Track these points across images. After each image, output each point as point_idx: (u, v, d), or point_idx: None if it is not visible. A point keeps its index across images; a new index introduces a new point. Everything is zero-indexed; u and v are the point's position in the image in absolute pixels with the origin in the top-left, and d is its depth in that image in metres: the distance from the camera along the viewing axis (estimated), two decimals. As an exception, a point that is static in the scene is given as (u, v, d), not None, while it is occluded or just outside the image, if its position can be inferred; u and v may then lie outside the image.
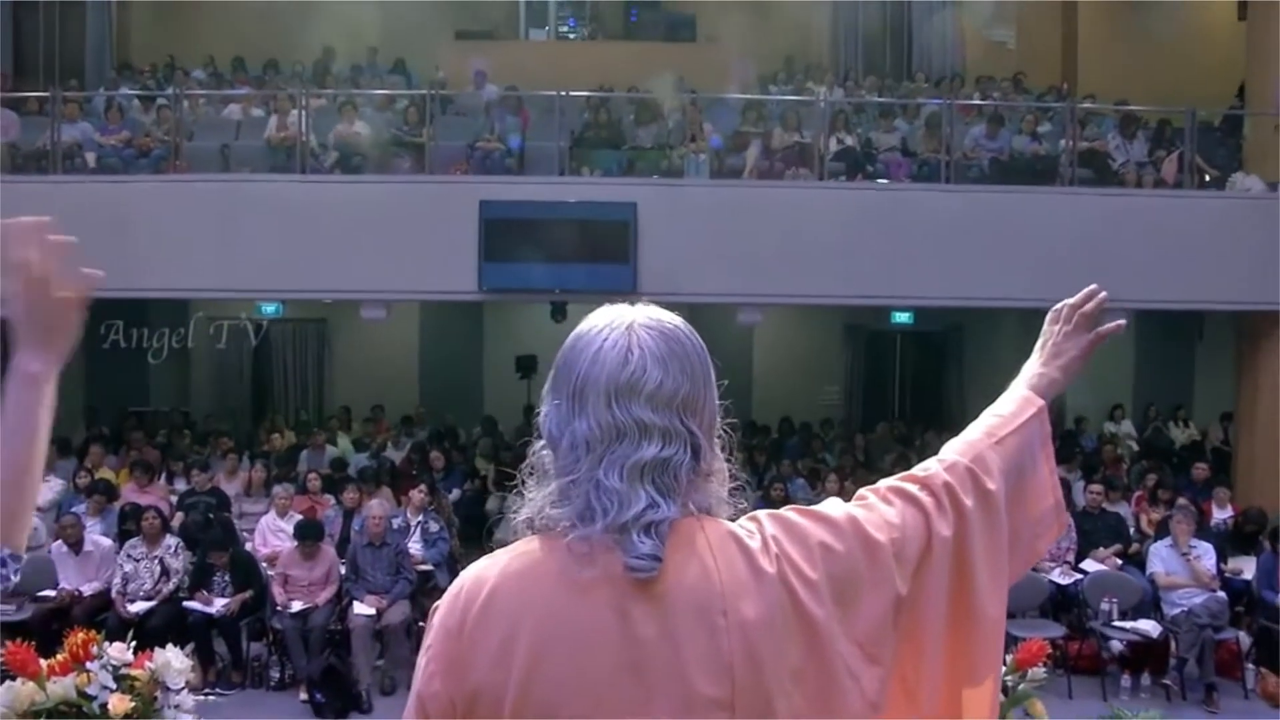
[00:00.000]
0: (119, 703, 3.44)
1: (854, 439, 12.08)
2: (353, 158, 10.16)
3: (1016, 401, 1.57)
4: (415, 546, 7.94)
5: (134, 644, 3.72)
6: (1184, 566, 7.36)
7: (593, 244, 9.30)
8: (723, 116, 11.01)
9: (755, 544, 1.26)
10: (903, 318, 12.15)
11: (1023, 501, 1.48)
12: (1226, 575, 7.70)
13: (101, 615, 7.06)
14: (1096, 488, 8.66)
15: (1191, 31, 13.77)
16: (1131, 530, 8.66)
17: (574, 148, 10.39)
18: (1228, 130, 11.59)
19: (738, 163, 10.37)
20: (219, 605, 7.11)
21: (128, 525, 8.10)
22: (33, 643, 3.73)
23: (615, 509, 1.20)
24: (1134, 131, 10.61)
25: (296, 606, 7.13)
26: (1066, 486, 8.91)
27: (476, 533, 9.71)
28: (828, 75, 13.40)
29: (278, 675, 7.22)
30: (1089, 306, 1.69)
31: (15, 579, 1.19)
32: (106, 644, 3.63)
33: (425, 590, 7.80)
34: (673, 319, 1.33)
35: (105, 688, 3.47)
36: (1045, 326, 1.69)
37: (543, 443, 1.31)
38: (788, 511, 1.34)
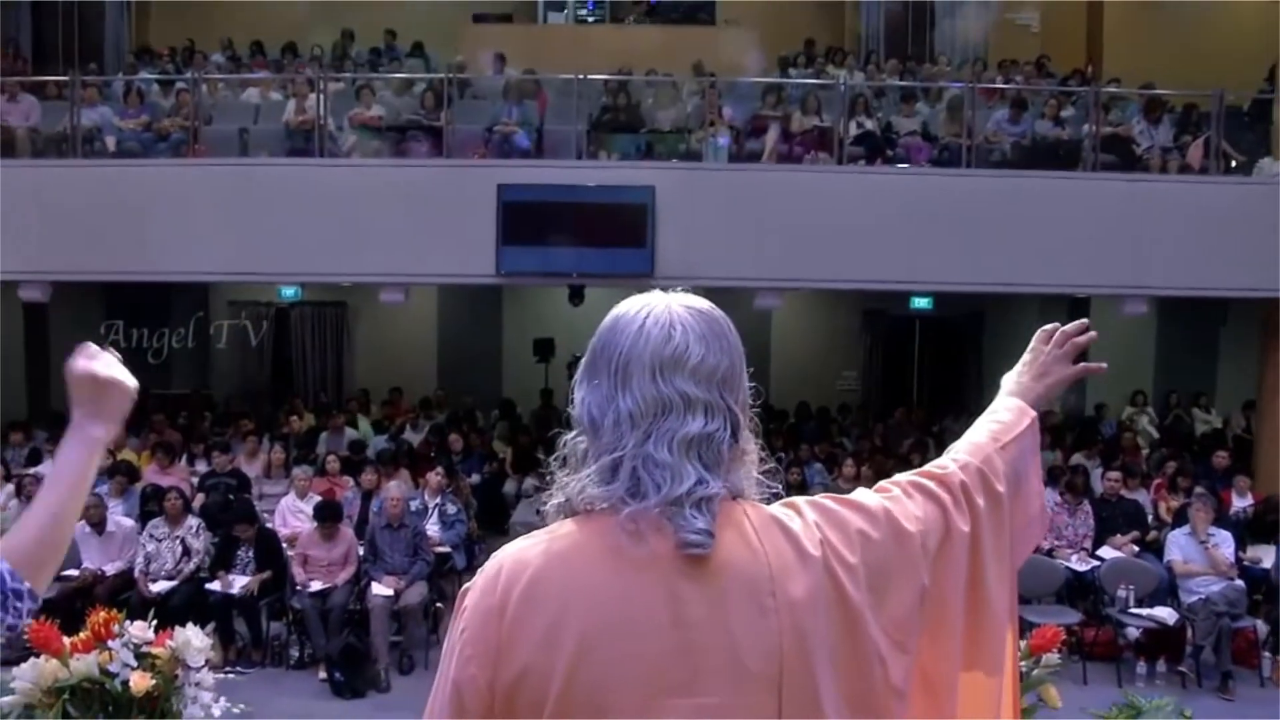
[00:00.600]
0: (140, 680, 3.48)
1: (872, 424, 12.05)
2: (371, 141, 10.18)
3: (1013, 411, 1.62)
4: (433, 528, 7.99)
5: (155, 623, 3.75)
6: (1202, 554, 7.32)
7: (611, 228, 9.30)
8: (742, 100, 10.95)
9: (798, 527, 1.28)
10: (922, 303, 12.07)
11: (1018, 506, 1.53)
12: (1245, 563, 7.66)
13: (124, 594, 7.13)
14: (1115, 474, 8.62)
15: (1219, 13, 13.60)
16: (1150, 517, 8.62)
17: (592, 131, 10.37)
18: (1256, 115, 11.43)
19: (757, 147, 10.32)
20: (239, 586, 7.18)
21: (150, 506, 8.19)
22: (56, 621, 3.77)
23: (669, 483, 1.21)
24: (1159, 116, 10.49)
25: (316, 586, 7.19)
26: (1085, 473, 8.88)
27: (494, 515, 9.76)
28: (848, 58, 13.31)
29: (297, 654, 7.30)
30: (1082, 338, 1.73)
31: (27, 619, 1.24)
32: (128, 623, 3.66)
33: (442, 572, 7.86)
34: (708, 303, 1.36)
35: (127, 665, 3.51)
36: (1034, 344, 1.75)
37: (574, 432, 1.31)
38: (824, 499, 1.36)
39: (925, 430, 11.87)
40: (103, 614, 3.67)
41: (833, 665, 1.24)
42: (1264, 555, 7.85)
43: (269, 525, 7.99)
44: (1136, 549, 7.96)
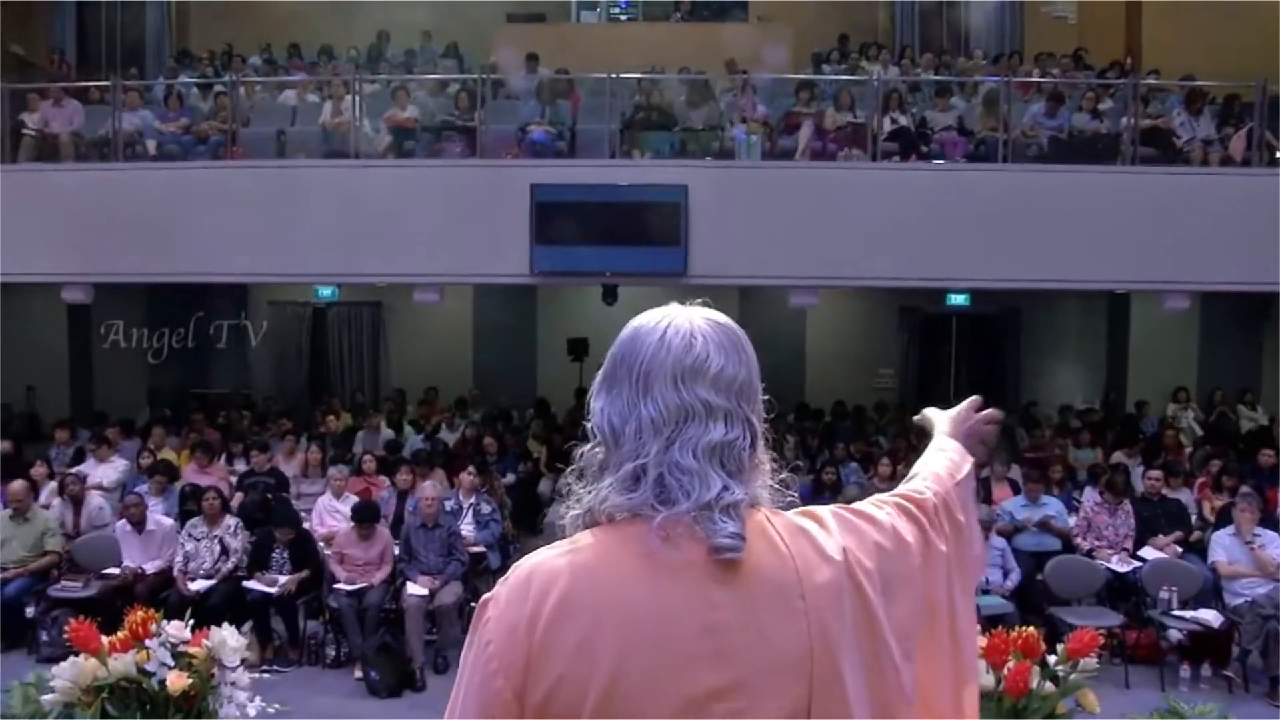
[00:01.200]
0: (177, 680, 3.52)
1: (908, 423, 11.89)
2: (405, 142, 10.24)
3: (959, 452, 1.71)
4: (467, 528, 8.02)
5: (192, 622, 3.79)
6: (1247, 555, 7.17)
7: (644, 227, 9.29)
8: (775, 97, 10.89)
9: (819, 532, 1.31)
10: (958, 300, 11.96)
11: (965, 541, 1.59)
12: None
13: (163, 593, 7.22)
14: (1156, 473, 8.47)
15: (1261, 2, 13.35)
16: (1193, 517, 8.46)
17: (625, 130, 10.36)
18: (1300, 105, 11.21)
19: (790, 144, 10.26)
20: (278, 584, 7.25)
21: (189, 505, 8.29)
22: (98, 619, 3.83)
23: (697, 489, 1.22)
24: (1200, 107, 10.31)
25: (352, 586, 7.24)
26: (1125, 472, 8.74)
27: (529, 515, 9.78)
28: (882, 53, 13.20)
29: (333, 653, 7.35)
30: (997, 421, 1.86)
31: None
32: (165, 622, 3.71)
33: (477, 572, 7.89)
34: (726, 316, 1.37)
35: (164, 664, 3.55)
36: (965, 408, 1.83)
37: (591, 444, 1.32)
38: (840, 508, 1.40)
39: (962, 429, 11.73)
40: (140, 613, 3.71)
41: (857, 667, 1.26)
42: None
43: (304, 526, 8.06)
44: (1179, 550, 7.83)
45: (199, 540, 7.58)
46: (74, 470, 9.05)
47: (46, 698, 3.60)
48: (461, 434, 10.93)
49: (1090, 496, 8.48)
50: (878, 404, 13.27)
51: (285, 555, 7.45)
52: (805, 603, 1.23)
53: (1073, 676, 3.83)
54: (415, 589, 7.14)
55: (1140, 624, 7.33)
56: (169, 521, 8.02)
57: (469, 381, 13.13)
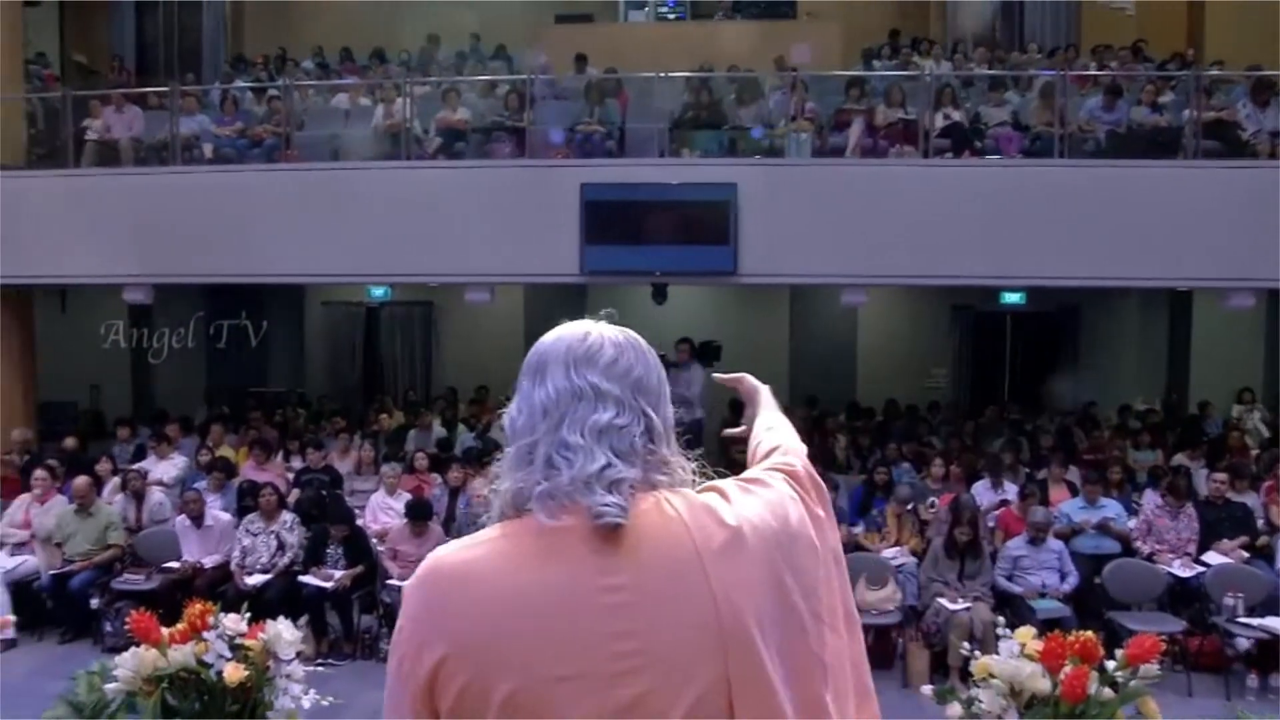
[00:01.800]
0: (233, 671, 3.58)
1: (962, 423, 11.79)
2: (456, 143, 10.32)
3: (790, 430, 1.75)
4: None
5: (249, 615, 3.86)
6: (1317, 559, 6.98)
7: (693, 226, 9.26)
8: (825, 94, 10.80)
9: (720, 503, 1.31)
10: (1013, 298, 11.79)
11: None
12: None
13: (221, 587, 7.37)
14: (1221, 476, 8.26)
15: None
16: (1260, 521, 8.24)
17: (674, 129, 10.34)
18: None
19: (840, 141, 10.17)
20: (333, 580, 7.34)
21: (246, 501, 8.43)
22: (159, 611, 3.90)
23: (580, 463, 1.25)
24: (1267, 99, 10.03)
25: (405, 581, 7.29)
26: (1187, 474, 8.55)
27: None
28: (934, 48, 13.04)
29: (387, 647, 7.41)
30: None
31: None
32: (223, 615, 3.77)
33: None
34: (633, 333, 1.42)
35: (221, 656, 3.61)
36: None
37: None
38: (738, 479, 1.42)
39: (1018, 429, 11.58)
40: (199, 606, 3.78)
41: (771, 633, 1.25)
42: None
43: (359, 522, 8.16)
44: (1245, 555, 7.63)
45: (256, 535, 7.71)
46: (135, 467, 9.24)
47: (109, 686, 3.69)
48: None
49: (1151, 499, 8.31)
50: (930, 404, 13.12)
51: (340, 551, 7.55)
52: (707, 571, 1.23)
53: (1133, 683, 3.76)
54: (467, 586, 7.18)
55: (1204, 630, 7.13)
56: (227, 517, 8.17)
57: (520, 381, 13.17)
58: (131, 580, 7.71)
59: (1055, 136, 9.74)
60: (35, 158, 10.97)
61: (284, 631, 3.68)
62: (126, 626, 3.83)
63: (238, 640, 3.68)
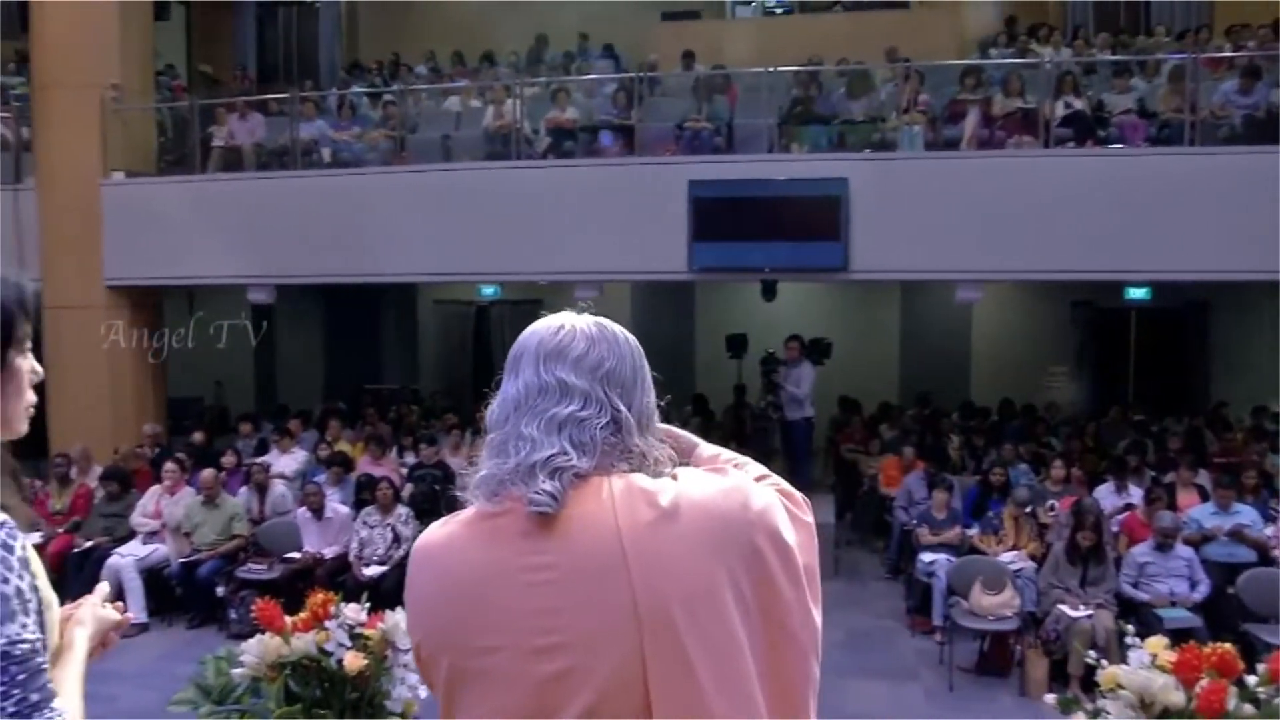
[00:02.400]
0: (353, 660, 3.66)
1: (1083, 423, 11.38)
2: (565, 142, 10.40)
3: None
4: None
5: (368, 605, 3.94)
6: None
7: (803, 221, 9.13)
8: (938, 85, 10.55)
9: (661, 484, 1.34)
10: (1138, 294, 11.30)
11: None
12: None
13: (340, 577, 7.57)
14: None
15: None
16: None
17: (783, 124, 10.22)
18: None
19: (955, 133, 9.91)
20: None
21: (363, 494, 8.65)
22: (280, 600, 4.02)
23: (526, 451, 1.32)
24: None
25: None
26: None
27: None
28: (1054, 34, 12.62)
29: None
30: None
31: None
32: (343, 605, 3.86)
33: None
34: (611, 322, 1.47)
35: (341, 645, 3.70)
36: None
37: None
38: (703, 468, 1.47)
39: (1143, 431, 11.12)
40: (321, 596, 3.88)
41: (698, 610, 1.27)
42: None
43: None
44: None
45: (373, 528, 7.91)
46: (259, 460, 9.58)
47: (236, 671, 3.81)
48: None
49: (1291, 504, 7.88)
50: (1049, 403, 12.71)
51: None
52: (626, 552, 1.26)
53: (1277, 699, 3.55)
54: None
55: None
56: (345, 510, 8.39)
57: (628, 378, 13.21)
58: (255, 569, 7.98)
59: (1185, 123, 9.30)
60: (164, 165, 11.45)
61: (401, 622, 3.75)
62: (252, 614, 3.95)
63: (357, 630, 3.76)
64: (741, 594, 1.30)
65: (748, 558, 1.32)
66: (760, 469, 1.58)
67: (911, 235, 9.10)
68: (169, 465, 8.71)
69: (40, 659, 1.29)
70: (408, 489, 9.01)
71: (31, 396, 1.44)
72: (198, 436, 10.60)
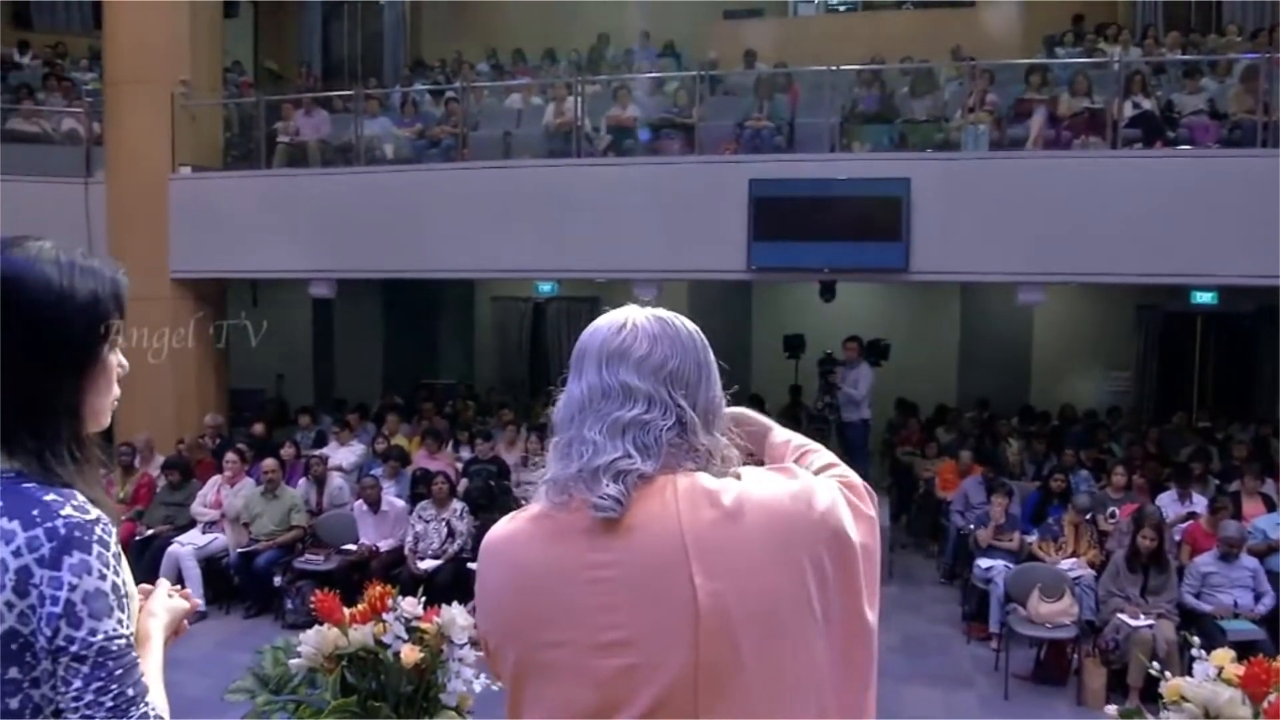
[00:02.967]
0: (410, 653, 3.69)
1: (1145, 429, 11.14)
2: (625, 140, 10.41)
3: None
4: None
5: (424, 599, 3.98)
6: None
7: (864, 222, 9.04)
8: (1003, 84, 10.39)
9: (726, 484, 1.35)
10: (1205, 298, 11.03)
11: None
12: None
13: (395, 570, 7.65)
14: None
15: None
16: None
17: (845, 123, 10.13)
18: None
19: (1020, 133, 9.76)
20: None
21: (419, 489, 8.73)
22: (336, 591, 4.07)
23: (589, 455, 1.33)
24: None
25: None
26: None
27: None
28: (1123, 33, 12.36)
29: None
30: None
31: None
32: (400, 598, 3.90)
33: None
34: (675, 315, 1.46)
35: (399, 638, 3.74)
36: None
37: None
38: (768, 468, 1.46)
39: (1208, 438, 10.86)
40: (379, 588, 3.92)
41: (760, 611, 1.28)
42: None
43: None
44: None
45: (428, 522, 7.99)
46: (317, 453, 9.72)
47: (293, 662, 3.86)
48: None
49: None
50: (1111, 409, 12.47)
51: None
52: (689, 554, 1.27)
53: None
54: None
55: None
56: (401, 503, 8.49)
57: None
58: (312, 560, 8.11)
59: (1258, 124, 9.06)
60: (231, 160, 11.67)
61: (458, 616, 3.78)
62: (311, 605, 4.01)
63: (414, 623, 3.80)
64: (805, 595, 1.30)
65: (812, 560, 1.32)
66: (828, 457, 1.60)
67: (974, 236, 8.98)
68: (230, 456, 8.88)
69: (134, 654, 1.32)
70: (463, 484, 9.09)
71: (117, 390, 1.46)
72: (258, 428, 10.79)
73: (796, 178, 9.28)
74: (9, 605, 1.26)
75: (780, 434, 1.68)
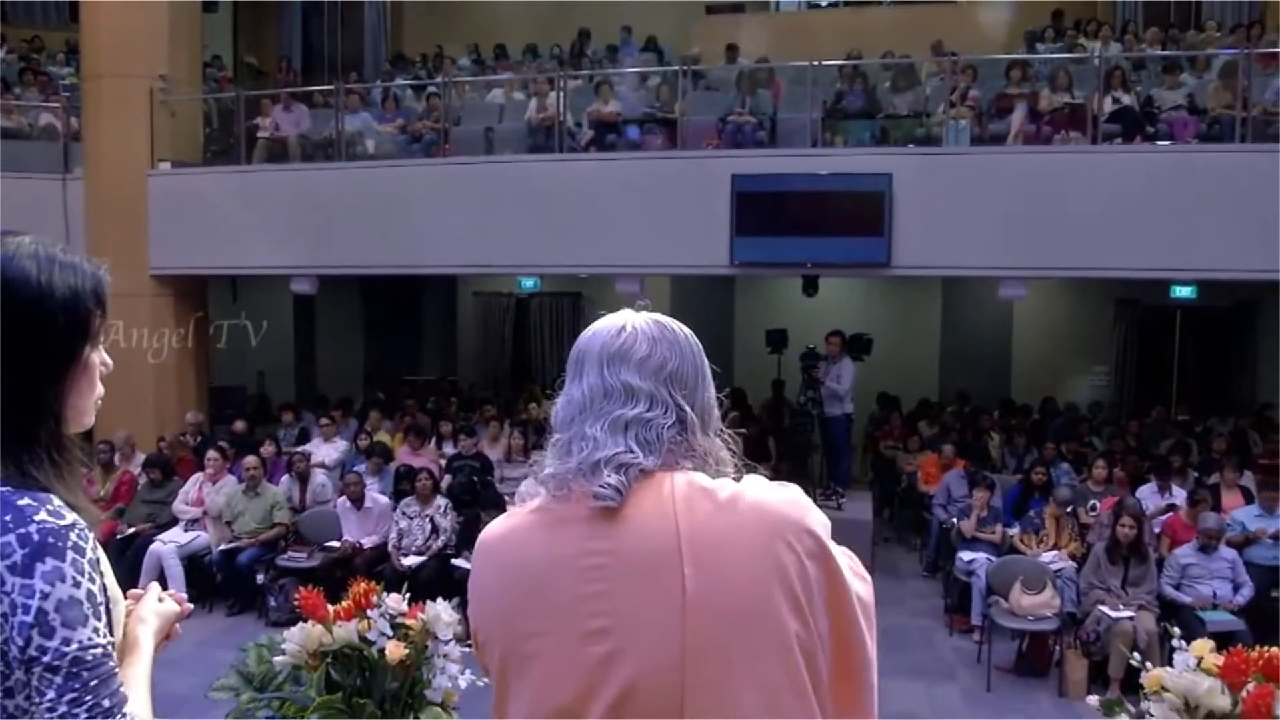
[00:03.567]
0: (395, 649, 3.69)
1: (1125, 423, 11.23)
2: (608, 135, 10.39)
3: None
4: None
5: (408, 596, 3.97)
6: None
7: (846, 217, 9.06)
8: (984, 79, 10.43)
9: (722, 483, 1.36)
10: (1184, 292, 11.11)
11: None
12: None
13: (378, 566, 7.63)
14: None
15: None
16: None
17: (827, 118, 10.15)
18: None
19: (1001, 128, 9.80)
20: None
21: (402, 485, 8.71)
22: (319, 588, 4.06)
23: (590, 450, 1.35)
24: None
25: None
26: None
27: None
28: (1103, 29, 12.43)
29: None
30: None
31: None
32: (385, 594, 3.90)
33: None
34: (671, 320, 1.48)
35: (383, 634, 3.73)
36: None
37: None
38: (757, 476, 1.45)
39: (1187, 431, 10.95)
40: (363, 585, 3.91)
41: (747, 608, 1.29)
42: None
43: (509, 508, 8.31)
44: None
45: (412, 519, 7.97)
46: (300, 449, 9.68)
47: (277, 659, 3.85)
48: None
49: None
50: (1092, 403, 12.55)
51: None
52: (682, 547, 1.29)
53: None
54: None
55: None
56: (385, 500, 8.46)
57: (664, 371, 13.20)
58: (295, 558, 8.07)
59: (1236, 120, 9.13)
60: (210, 155, 11.59)
61: (443, 613, 3.78)
62: (294, 603, 3.99)
63: (399, 620, 3.79)
64: (795, 594, 1.30)
65: (804, 557, 1.32)
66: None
67: (956, 231, 9.02)
68: (211, 453, 8.83)
69: (112, 663, 1.28)
70: (446, 480, 9.07)
71: (100, 389, 1.43)
72: (239, 425, 10.73)
73: (779, 173, 9.29)
74: None
75: None
